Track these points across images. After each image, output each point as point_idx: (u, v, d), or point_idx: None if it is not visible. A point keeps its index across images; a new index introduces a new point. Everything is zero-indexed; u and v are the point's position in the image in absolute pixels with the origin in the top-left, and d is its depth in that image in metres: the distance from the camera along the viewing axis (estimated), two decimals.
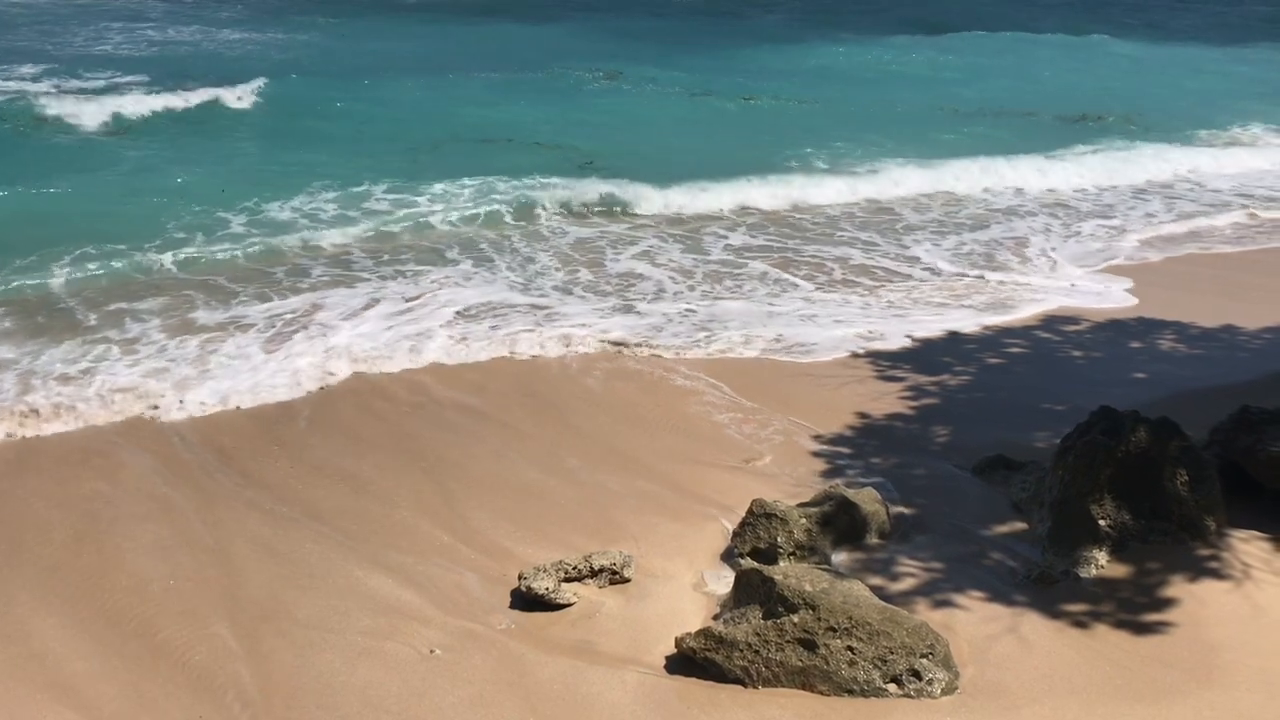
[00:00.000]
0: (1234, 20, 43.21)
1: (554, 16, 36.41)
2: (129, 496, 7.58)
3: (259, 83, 21.35)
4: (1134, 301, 12.07)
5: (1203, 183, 18.08)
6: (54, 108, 19.03)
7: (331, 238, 13.42)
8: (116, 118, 18.99)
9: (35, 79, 21.92)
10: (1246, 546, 6.62)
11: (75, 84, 21.34)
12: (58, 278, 11.56)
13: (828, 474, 7.91)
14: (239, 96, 20.62)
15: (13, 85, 21.16)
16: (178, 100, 19.90)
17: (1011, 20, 39.61)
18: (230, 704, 5.56)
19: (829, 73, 27.05)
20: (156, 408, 8.91)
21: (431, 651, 5.93)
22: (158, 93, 20.16)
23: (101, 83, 21.63)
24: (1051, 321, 11.28)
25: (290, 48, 28.98)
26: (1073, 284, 12.50)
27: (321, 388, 9.38)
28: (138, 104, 19.51)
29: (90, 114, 18.95)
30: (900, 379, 9.70)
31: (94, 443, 8.39)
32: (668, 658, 5.83)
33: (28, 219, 13.53)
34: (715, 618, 6.05)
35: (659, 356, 10.18)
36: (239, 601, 6.38)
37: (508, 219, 14.53)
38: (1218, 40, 35.22)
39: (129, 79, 22.04)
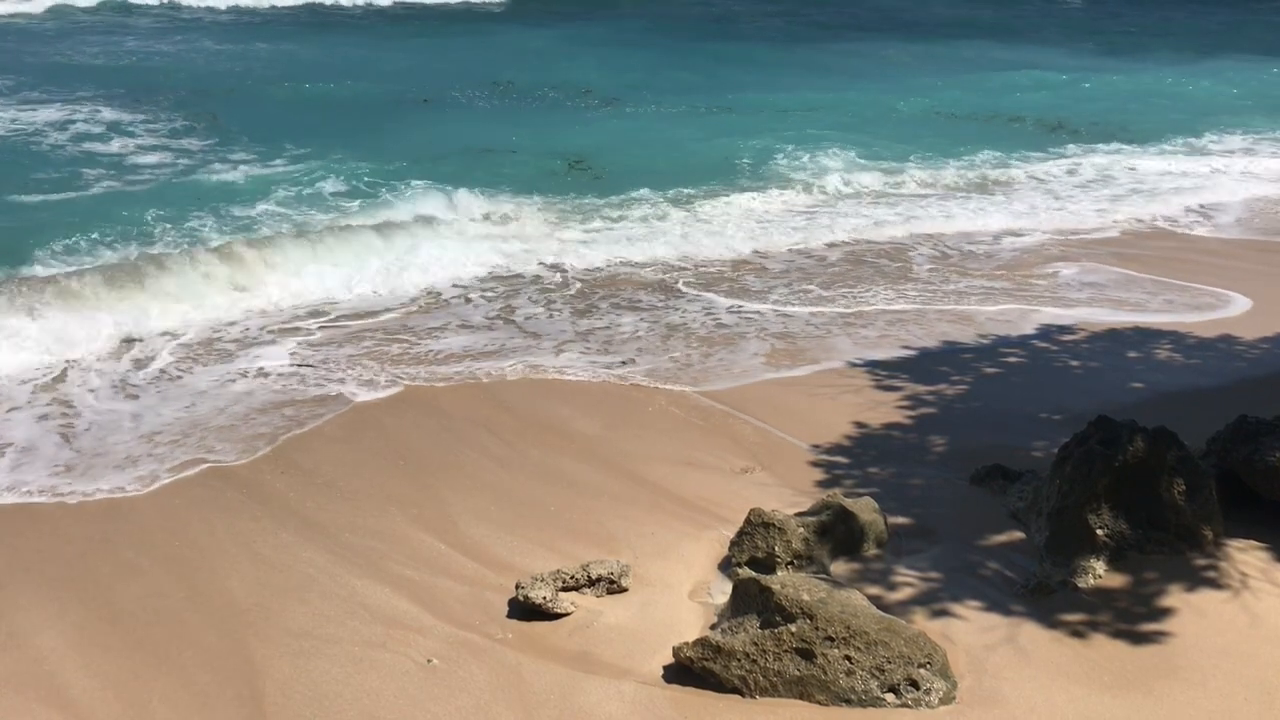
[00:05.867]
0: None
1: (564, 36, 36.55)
2: (126, 507, 7.60)
3: None
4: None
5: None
6: None
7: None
8: None
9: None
10: (1244, 556, 6.63)
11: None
12: None
13: (825, 483, 7.91)
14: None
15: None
16: None
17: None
18: (226, 713, 5.55)
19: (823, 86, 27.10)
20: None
21: (429, 661, 5.92)
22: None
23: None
24: (1048, 331, 11.29)
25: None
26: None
27: (314, 399, 9.39)
28: None
29: None
30: (897, 388, 9.70)
31: None
32: (665, 667, 5.83)
33: None
34: (713, 627, 6.05)
35: (655, 371, 10.19)
36: (233, 610, 6.38)
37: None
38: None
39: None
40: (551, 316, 11.62)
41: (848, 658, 5.56)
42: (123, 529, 7.28)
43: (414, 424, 8.90)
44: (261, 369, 10.01)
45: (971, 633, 6.07)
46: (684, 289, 12.58)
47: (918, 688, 5.51)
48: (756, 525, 6.71)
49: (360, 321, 11.39)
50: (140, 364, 10.06)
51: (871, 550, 6.91)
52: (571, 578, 6.42)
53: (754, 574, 6.24)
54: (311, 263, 12.52)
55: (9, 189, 15.45)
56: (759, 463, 8.26)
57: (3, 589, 6.59)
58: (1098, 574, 6.48)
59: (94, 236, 12.99)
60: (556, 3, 45.26)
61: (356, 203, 15.20)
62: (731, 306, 11.96)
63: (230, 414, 9.05)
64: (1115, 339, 11.07)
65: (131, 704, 5.61)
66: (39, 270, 11.89)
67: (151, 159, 17.75)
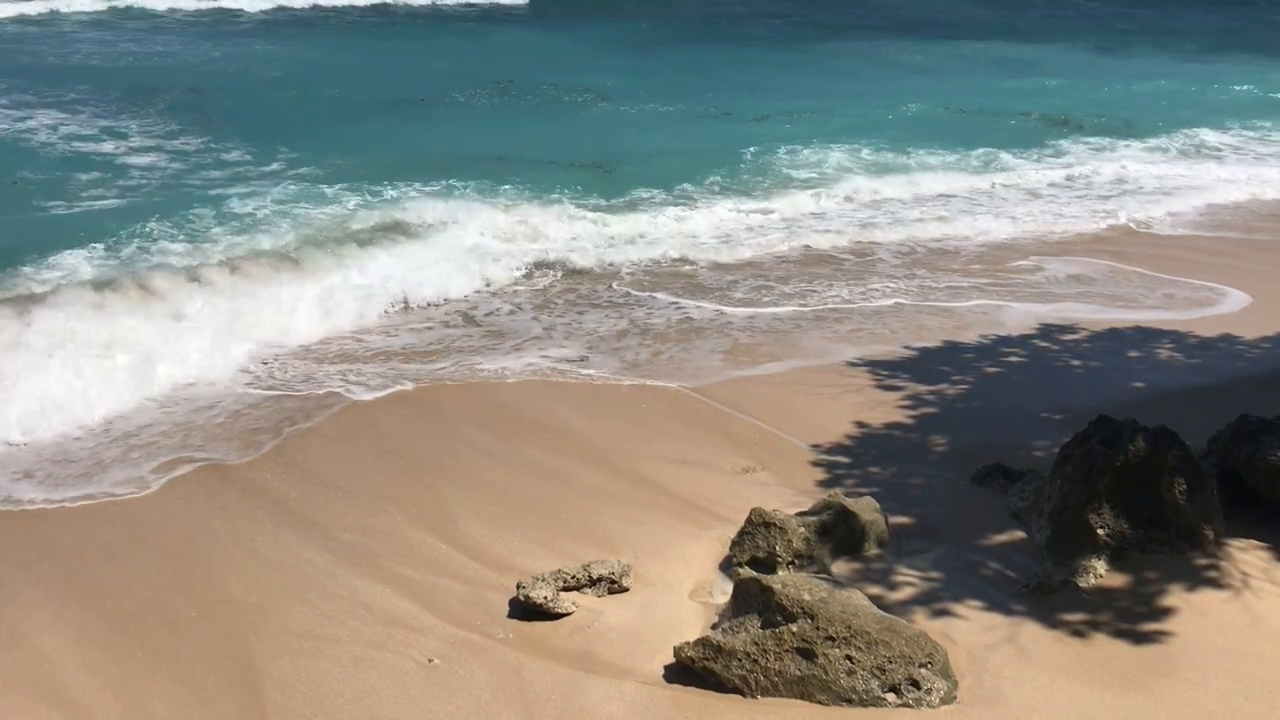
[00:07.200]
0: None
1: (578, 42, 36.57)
2: (124, 506, 7.59)
3: None
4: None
5: None
6: None
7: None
8: None
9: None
10: (1245, 556, 6.62)
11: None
12: None
13: (826, 483, 7.90)
14: None
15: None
16: None
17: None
18: (226, 713, 5.54)
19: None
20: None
21: (429, 661, 5.92)
22: None
23: None
24: (1049, 330, 11.28)
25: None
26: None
27: (309, 398, 9.39)
28: None
29: None
30: (898, 388, 9.70)
31: None
32: (666, 667, 5.82)
33: None
34: (714, 627, 6.04)
35: (653, 370, 10.19)
36: (233, 610, 6.37)
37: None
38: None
39: None
40: (543, 317, 11.61)
41: (849, 657, 5.55)
42: (121, 528, 7.28)
43: (410, 423, 8.90)
44: (257, 368, 10.01)
45: (972, 632, 6.06)
46: (682, 289, 12.58)
47: (919, 687, 5.51)
48: (757, 525, 6.71)
49: (354, 321, 11.34)
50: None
51: (872, 550, 6.91)
52: (572, 577, 6.41)
53: (755, 574, 6.23)
54: (306, 264, 12.51)
55: (4, 192, 15.43)
56: (759, 462, 8.25)
57: (1, 588, 6.59)
58: (1099, 573, 6.48)
59: (90, 241, 12.90)
60: (572, 5, 45.25)
61: (354, 205, 15.09)
62: (733, 307, 11.98)
63: (225, 414, 9.05)
64: (1116, 338, 11.07)
65: (131, 704, 5.61)
66: (42, 274, 11.83)
67: (146, 160, 17.70)
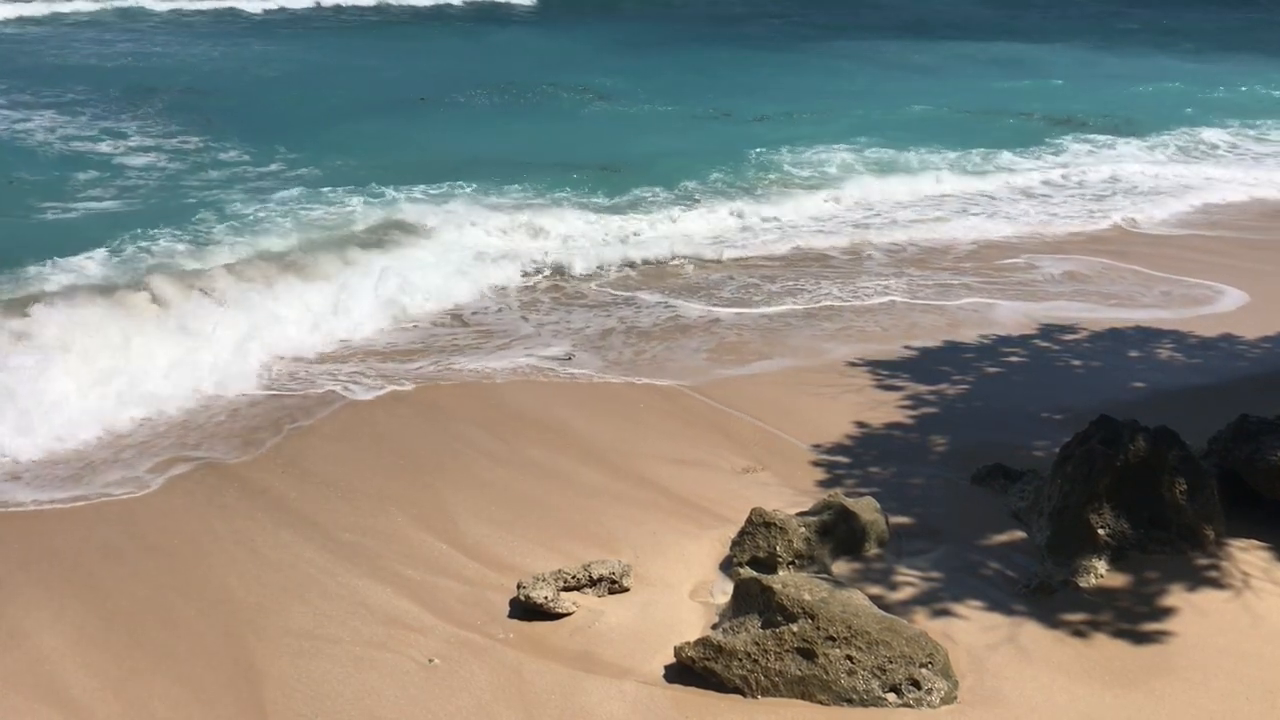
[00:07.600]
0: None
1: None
2: (123, 506, 7.59)
3: None
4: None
5: None
6: None
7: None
8: None
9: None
10: (1245, 556, 6.62)
11: None
12: None
13: (826, 483, 7.90)
14: None
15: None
16: None
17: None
18: (226, 713, 5.54)
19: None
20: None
21: (430, 661, 5.91)
22: None
23: None
24: (1049, 330, 11.28)
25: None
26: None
27: (307, 398, 9.38)
28: None
29: None
30: (898, 388, 9.69)
31: None
32: (666, 667, 5.82)
33: None
34: (714, 627, 6.04)
35: (650, 370, 10.19)
36: (234, 610, 6.37)
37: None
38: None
39: None
40: (543, 318, 11.62)
41: (849, 657, 5.55)
42: (121, 528, 7.27)
43: (409, 422, 8.89)
44: (255, 367, 9.99)
45: (973, 632, 6.06)
46: (678, 289, 12.58)
47: (919, 687, 5.50)
48: (758, 525, 6.70)
49: (353, 322, 11.31)
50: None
51: (873, 550, 6.90)
52: (573, 577, 6.41)
53: (755, 574, 6.23)
54: (306, 266, 12.48)
55: (5, 194, 15.42)
56: (759, 462, 8.25)
57: (1, 587, 6.59)
58: (1099, 573, 6.48)
59: (88, 242, 12.82)
60: (574, 5, 45.28)
61: (354, 206, 15.04)
62: (732, 307, 11.98)
63: (223, 412, 9.04)
64: (1115, 337, 11.07)
65: (131, 704, 5.60)
66: (40, 275, 11.78)
67: (144, 161, 17.66)
